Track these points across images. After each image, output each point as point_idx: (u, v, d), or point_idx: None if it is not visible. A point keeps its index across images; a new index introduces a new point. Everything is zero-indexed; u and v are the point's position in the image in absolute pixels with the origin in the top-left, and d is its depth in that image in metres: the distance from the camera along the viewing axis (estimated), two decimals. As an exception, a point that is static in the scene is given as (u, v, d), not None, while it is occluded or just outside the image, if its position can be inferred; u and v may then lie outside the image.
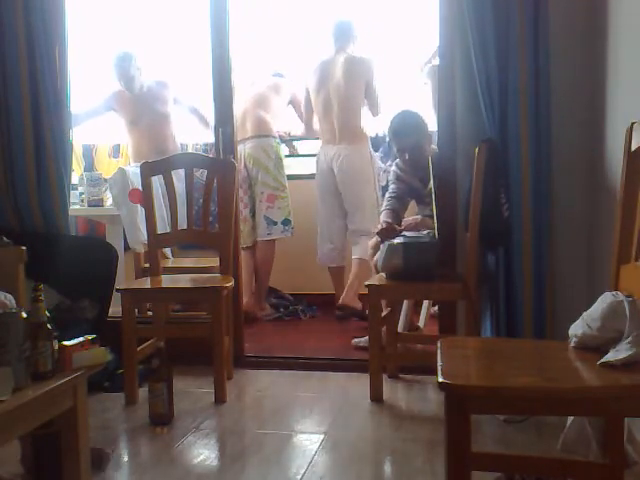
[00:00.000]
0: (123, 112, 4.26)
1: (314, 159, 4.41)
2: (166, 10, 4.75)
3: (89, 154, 4.58)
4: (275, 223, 4.35)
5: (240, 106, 4.27)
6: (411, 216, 3.43)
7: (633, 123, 1.82)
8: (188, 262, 4.24)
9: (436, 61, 3.65)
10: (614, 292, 1.69)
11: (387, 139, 3.78)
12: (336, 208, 4.30)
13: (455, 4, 2.85)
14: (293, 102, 4.54)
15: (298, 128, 4.67)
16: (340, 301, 4.18)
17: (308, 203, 4.66)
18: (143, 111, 4.22)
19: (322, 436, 2.46)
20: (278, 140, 4.44)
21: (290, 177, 4.47)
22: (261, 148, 4.33)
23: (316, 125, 4.39)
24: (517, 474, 1.89)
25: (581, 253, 2.85)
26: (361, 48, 4.23)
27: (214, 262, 3.45)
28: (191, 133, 4.58)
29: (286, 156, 4.57)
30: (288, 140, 4.72)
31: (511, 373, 1.58)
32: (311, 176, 4.87)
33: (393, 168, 3.42)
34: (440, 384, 1.49)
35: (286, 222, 4.37)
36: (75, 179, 4.04)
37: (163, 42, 4.74)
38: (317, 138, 4.57)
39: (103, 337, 1.93)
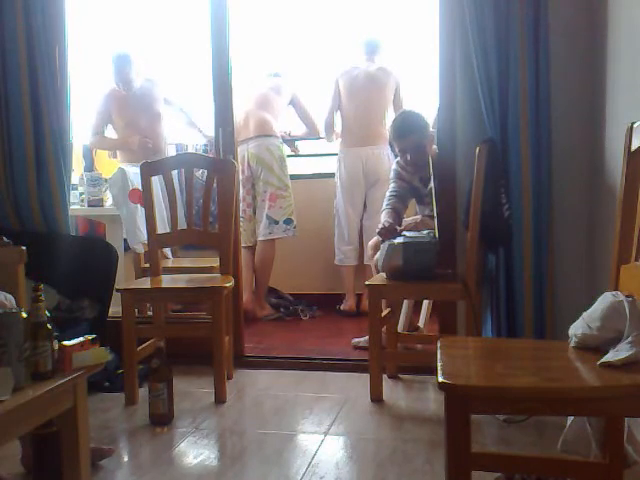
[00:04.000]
0: (119, 113, 4.21)
1: (314, 159, 4.40)
2: (166, 10, 4.75)
3: (89, 154, 4.57)
4: (277, 222, 4.36)
5: (242, 107, 4.29)
6: (411, 216, 3.43)
7: (633, 123, 1.82)
8: (188, 262, 4.24)
9: None
10: (614, 292, 1.69)
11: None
12: (361, 209, 4.37)
13: (455, 5, 2.85)
14: (293, 102, 4.55)
15: (299, 128, 4.68)
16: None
17: (309, 203, 4.67)
18: (139, 111, 4.20)
19: (322, 436, 2.46)
20: (281, 140, 4.46)
21: (291, 177, 4.47)
22: (265, 148, 4.35)
23: (336, 125, 4.44)
24: (517, 474, 1.89)
25: (581, 253, 2.85)
26: (382, 56, 4.37)
27: (214, 262, 3.45)
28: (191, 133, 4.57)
29: (288, 156, 4.57)
30: (289, 140, 4.72)
31: (511, 373, 1.58)
32: (312, 176, 4.88)
33: (394, 167, 3.42)
34: (440, 384, 1.48)
35: (288, 222, 4.38)
36: (75, 179, 4.03)
37: (163, 42, 4.74)
38: (319, 138, 4.60)
39: (103, 337, 1.93)
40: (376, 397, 2.80)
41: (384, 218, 3.21)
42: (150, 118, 4.22)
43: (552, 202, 2.81)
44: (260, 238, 4.41)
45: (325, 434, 2.48)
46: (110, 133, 4.29)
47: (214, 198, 3.30)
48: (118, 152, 4.37)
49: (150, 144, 4.12)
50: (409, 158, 3.20)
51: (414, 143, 3.16)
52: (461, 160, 2.97)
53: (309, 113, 4.57)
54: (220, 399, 2.83)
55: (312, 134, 4.62)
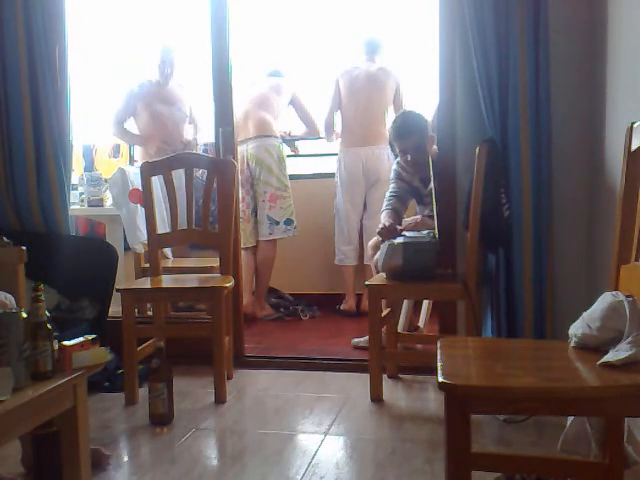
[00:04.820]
0: (147, 106, 4.20)
1: (314, 159, 4.39)
2: (166, 10, 4.75)
3: (89, 154, 4.58)
4: (277, 223, 4.37)
5: (242, 107, 4.29)
6: (411, 216, 3.43)
7: (633, 123, 1.82)
8: (188, 262, 4.24)
9: None
10: (614, 292, 1.69)
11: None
12: (361, 209, 4.38)
13: (455, 5, 2.85)
14: (294, 102, 4.55)
15: (299, 128, 4.68)
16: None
17: (309, 203, 4.67)
18: (167, 108, 4.22)
19: (322, 436, 2.46)
20: (280, 140, 4.46)
21: (291, 177, 4.48)
22: (264, 148, 4.35)
23: (336, 125, 4.44)
24: (517, 474, 1.89)
25: (581, 253, 2.85)
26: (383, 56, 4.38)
27: (214, 262, 3.45)
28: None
29: (288, 156, 4.57)
30: (289, 140, 4.72)
31: (511, 373, 1.58)
32: (312, 176, 4.87)
33: (394, 167, 3.42)
34: (440, 384, 1.48)
35: (289, 222, 4.39)
36: (75, 179, 4.04)
37: (163, 42, 4.73)
38: (319, 138, 4.60)
39: (103, 337, 1.93)
40: (376, 397, 2.80)
41: (384, 218, 3.21)
42: (175, 118, 4.24)
43: (552, 202, 2.81)
44: (261, 238, 4.41)
45: (325, 434, 2.48)
46: (129, 124, 4.29)
47: (214, 198, 3.30)
48: (137, 149, 4.39)
49: (168, 151, 4.05)
50: (409, 158, 3.21)
51: (414, 144, 3.16)
52: (461, 160, 2.96)
53: (309, 113, 4.57)
54: (220, 399, 2.83)
55: (312, 134, 4.62)
